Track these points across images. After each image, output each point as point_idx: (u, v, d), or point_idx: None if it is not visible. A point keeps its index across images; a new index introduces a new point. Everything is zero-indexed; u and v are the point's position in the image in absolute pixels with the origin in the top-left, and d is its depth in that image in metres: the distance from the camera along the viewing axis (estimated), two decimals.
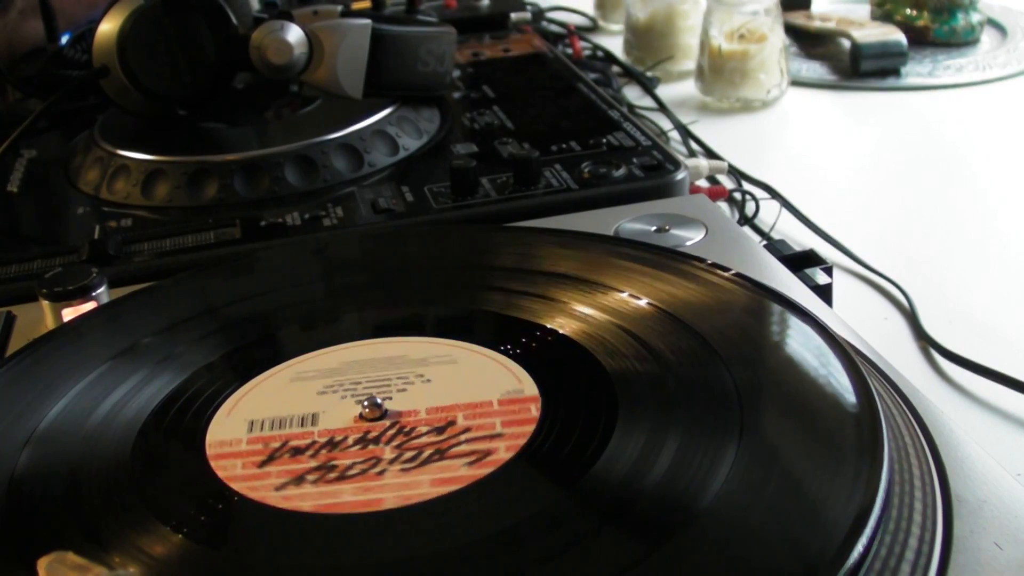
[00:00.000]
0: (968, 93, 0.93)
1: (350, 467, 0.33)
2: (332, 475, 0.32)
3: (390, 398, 0.36)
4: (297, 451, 0.34)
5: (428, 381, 0.37)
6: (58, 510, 0.32)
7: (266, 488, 0.32)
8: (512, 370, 0.38)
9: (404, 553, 0.29)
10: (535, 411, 0.35)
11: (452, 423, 0.35)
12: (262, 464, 0.33)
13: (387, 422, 0.35)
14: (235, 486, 0.32)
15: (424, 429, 0.35)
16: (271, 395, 0.37)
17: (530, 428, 0.34)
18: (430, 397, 0.36)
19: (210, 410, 0.37)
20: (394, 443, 0.34)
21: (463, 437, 0.34)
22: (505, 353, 0.38)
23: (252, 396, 0.37)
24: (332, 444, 0.34)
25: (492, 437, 0.34)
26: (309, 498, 0.31)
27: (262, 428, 0.35)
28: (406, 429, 0.35)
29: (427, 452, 0.33)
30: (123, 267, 0.53)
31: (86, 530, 0.31)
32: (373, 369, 0.38)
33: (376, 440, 0.34)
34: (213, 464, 0.33)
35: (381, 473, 0.32)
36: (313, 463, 0.33)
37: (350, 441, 0.34)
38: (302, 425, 0.35)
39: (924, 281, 0.60)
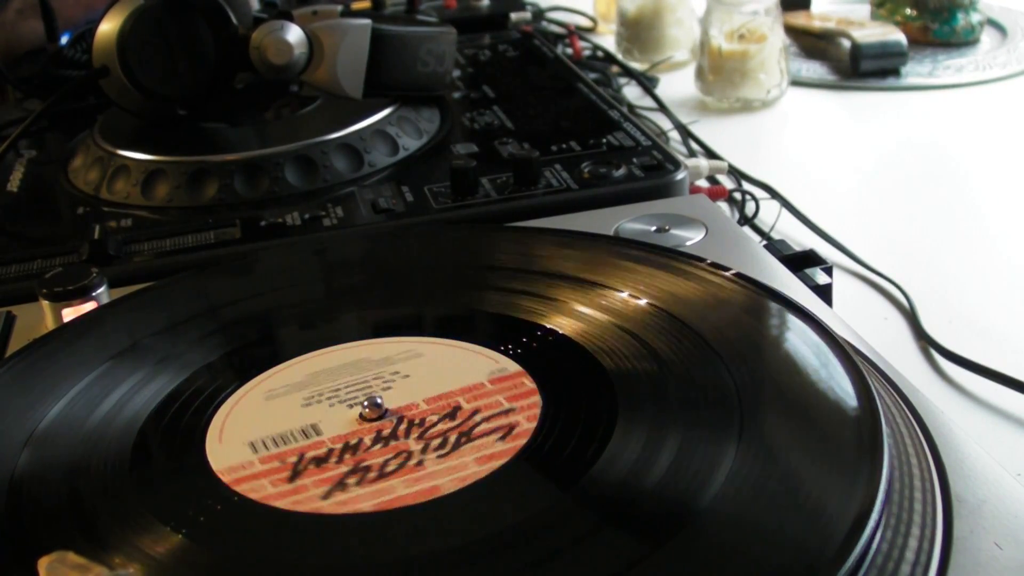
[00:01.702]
0: (968, 93, 0.93)
1: (384, 465, 0.33)
2: (372, 475, 0.32)
3: (388, 389, 0.37)
4: (320, 460, 0.33)
5: (407, 376, 0.37)
6: (58, 510, 0.32)
7: (311, 500, 0.31)
8: (485, 354, 0.38)
9: (496, 528, 0.29)
10: (529, 383, 0.36)
11: (458, 408, 0.35)
12: (291, 479, 0.33)
13: (392, 419, 0.35)
14: (277, 504, 0.31)
15: (435, 418, 0.35)
16: (255, 415, 0.36)
17: (535, 399, 0.35)
18: (419, 390, 0.37)
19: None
20: (414, 436, 0.34)
21: (478, 418, 0.34)
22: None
23: (234, 419, 0.36)
24: (351, 448, 0.34)
25: (506, 412, 0.34)
26: (363, 499, 0.31)
27: (267, 447, 0.34)
28: (416, 421, 0.35)
29: (452, 437, 0.34)
30: (123, 267, 0.53)
31: (86, 530, 0.31)
32: (343, 375, 0.38)
33: (393, 436, 0.34)
34: (238, 489, 0.32)
35: (420, 464, 0.33)
36: (344, 468, 0.33)
37: (367, 442, 0.34)
38: (307, 437, 0.35)
39: (924, 281, 0.60)
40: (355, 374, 0.38)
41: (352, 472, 0.33)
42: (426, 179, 0.62)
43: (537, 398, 0.35)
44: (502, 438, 0.33)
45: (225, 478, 0.33)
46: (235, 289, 0.46)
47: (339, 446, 0.34)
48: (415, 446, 0.34)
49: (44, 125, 0.76)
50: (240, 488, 0.33)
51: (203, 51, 0.66)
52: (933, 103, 0.91)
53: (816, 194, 0.72)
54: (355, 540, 0.30)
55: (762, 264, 0.48)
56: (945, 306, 0.58)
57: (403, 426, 0.35)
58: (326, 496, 0.32)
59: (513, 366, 0.37)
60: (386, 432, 0.35)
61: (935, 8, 1.04)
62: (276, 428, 0.36)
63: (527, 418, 0.34)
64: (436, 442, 0.34)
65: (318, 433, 0.35)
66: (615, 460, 0.31)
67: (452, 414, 0.35)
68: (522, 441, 0.33)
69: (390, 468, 0.33)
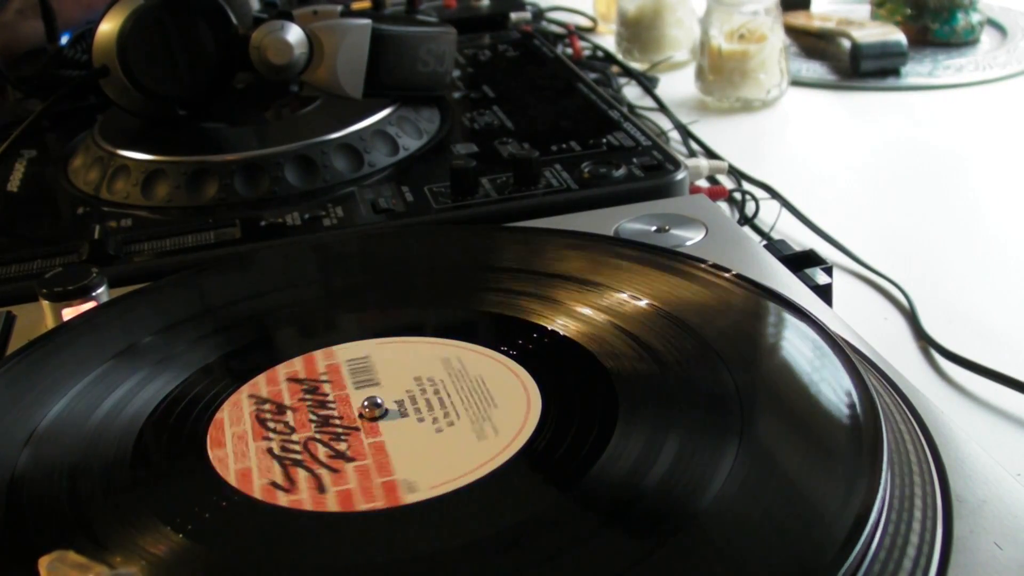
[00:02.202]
0: (968, 93, 0.93)
1: (280, 422, 0.35)
2: (266, 416, 0.35)
3: (407, 416, 0.36)
4: (313, 390, 0.36)
5: (440, 431, 0.36)
6: (58, 510, 0.32)
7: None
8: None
9: (496, 528, 0.30)
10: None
11: (351, 460, 0.34)
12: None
13: (357, 423, 0.36)
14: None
15: (341, 447, 0.35)
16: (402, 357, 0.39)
17: (535, 399, 0.36)
18: (405, 439, 0.36)
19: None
20: (317, 435, 0.35)
21: (317, 470, 0.33)
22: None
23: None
24: (320, 403, 0.36)
25: (316, 487, 0.33)
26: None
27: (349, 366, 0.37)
28: (342, 437, 0.35)
29: (297, 456, 0.34)
30: (123, 267, 0.53)
31: (86, 530, 0.31)
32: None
33: (324, 425, 0.35)
34: (239, 488, 0.33)
35: (266, 439, 0.34)
36: (287, 402, 0.36)
37: (322, 413, 0.36)
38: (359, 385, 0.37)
39: (924, 281, 0.60)
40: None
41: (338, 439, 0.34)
42: (426, 179, 0.62)
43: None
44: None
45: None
46: (235, 289, 0.46)
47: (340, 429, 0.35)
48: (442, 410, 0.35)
49: (44, 125, 0.76)
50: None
51: (203, 51, 0.66)
52: (933, 103, 0.91)
53: (816, 194, 0.72)
54: (355, 540, 0.30)
55: (762, 264, 0.48)
56: (945, 306, 0.58)
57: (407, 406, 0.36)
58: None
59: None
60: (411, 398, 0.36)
61: (935, 8, 1.04)
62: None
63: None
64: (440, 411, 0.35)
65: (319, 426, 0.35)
66: (615, 460, 0.31)
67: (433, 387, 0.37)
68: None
69: (456, 415, 0.35)
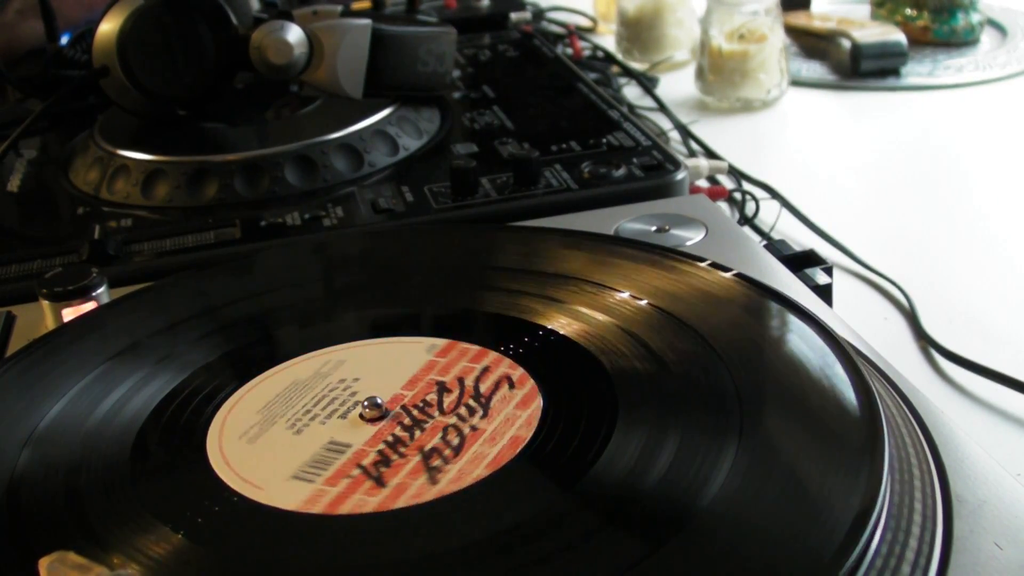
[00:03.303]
0: (968, 93, 0.93)
1: (454, 440, 0.34)
2: (450, 452, 0.33)
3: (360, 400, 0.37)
4: (385, 461, 0.33)
5: (357, 379, 0.38)
6: (58, 510, 0.32)
7: (415, 495, 0.31)
8: (421, 342, 0.39)
9: (496, 528, 0.30)
10: (475, 347, 0.36)
11: (441, 383, 0.36)
12: (377, 483, 0.32)
13: (399, 409, 0.36)
14: (395, 505, 0.31)
15: (433, 397, 0.36)
16: (256, 457, 0.34)
17: (535, 399, 0.35)
18: (384, 384, 0.37)
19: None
20: (439, 417, 0.35)
21: (468, 382, 0.35)
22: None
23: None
24: (398, 442, 0.34)
25: (485, 370, 0.36)
26: (465, 473, 0.32)
27: (310, 476, 0.33)
28: (422, 405, 0.36)
29: (470, 401, 0.35)
30: (123, 267, 0.53)
31: (86, 530, 0.31)
32: (298, 394, 0.37)
33: (424, 421, 0.35)
34: (239, 489, 0.32)
35: (475, 430, 0.34)
36: (416, 457, 0.33)
37: (405, 434, 0.34)
38: (341, 452, 0.34)
39: (924, 281, 0.60)
40: (308, 392, 0.38)
41: (431, 454, 0.33)
42: (426, 179, 0.62)
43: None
44: (511, 387, 0.35)
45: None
46: (235, 289, 0.46)
47: (387, 443, 0.34)
48: (455, 420, 0.35)
49: (44, 125, 0.76)
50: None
51: (203, 51, 0.66)
52: (933, 103, 0.91)
53: (816, 194, 0.72)
54: (355, 540, 0.30)
55: (762, 264, 0.48)
56: (945, 306, 0.58)
57: (418, 412, 0.35)
58: (431, 483, 0.32)
59: (440, 342, 0.39)
60: (415, 420, 0.35)
61: (935, 8, 1.04)
62: (300, 458, 0.34)
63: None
64: (465, 411, 0.35)
65: (346, 447, 0.34)
66: (615, 460, 0.31)
67: (442, 389, 0.36)
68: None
69: (464, 441, 0.33)
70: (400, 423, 0.35)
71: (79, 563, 0.27)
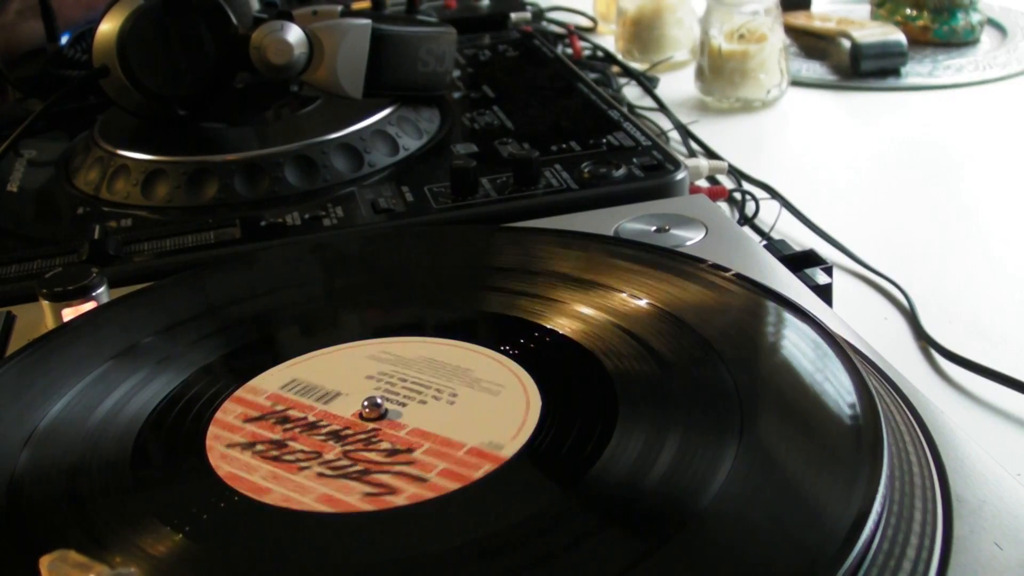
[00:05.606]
0: (968, 93, 0.93)
1: (294, 452, 0.34)
2: (273, 452, 0.34)
3: (404, 405, 0.36)
4: (284, 420, 0.35)
5: (451, 403, 0.36)
6: (58, 510, 0.32)
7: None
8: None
9: (496, 528, 0.29)
10: (484, 472, 0.32)
11: (410, 450, 0.33)
12: (250, 420, 0.35)
13: (369, 426, 0.35)
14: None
15: (385, 446, 0.34)
16: (336, 363, 0.39)
17: (536, 399, 0.35)
18: (430, 419, 0.35)
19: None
20: (349, 447, 0.34)
21: (396, 468, 0.32)
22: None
23: (321, 360, 0.39)
24: (311, 425, 0.35)
25: (416, 479, 0.32)
26: (237, 464, 0.33)
27: (292, 389, 0.37)
28: (374, 439, 0.34)
29: (358, 467, 0.33)
30: (123, 267, 0.53)
31: (86, 530, 0.31)
32: (431, 371, 0.38)
33: (342, 438, 0.34)
34: (238, 488, 0.32)
35: (302, 469, 0.33)
36: (278, 435, 0.34)
37: (324, 431, 0.35)
38: (320, 400, 0.36)
39: (924, 281, 0.60)
40: (433, 375, 0.38)
41: (273, 443, 0.34)
42: (426, 179, 0.62)
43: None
44: (366, 496, 0.31)
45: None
46: (235, 289, 0.46)
47: (313, 419, 0.35)
48: (331, 455, 0.33)
49: (44, 125, 0.76)
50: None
51: (203, 51, 0.66)
52: (933, 103, 0.91)
53: (816, 194, 0.72)
54: (355, 540, 0.30)
55: (762, 264, 0.48)
56: (945, 306, 0.58)
57: (362, 436, 0.34)
58: (231, 446, 0.33)
59: (515, 445, 0.33)
60: (346, 432, 0.35)
61: (935, 8, 1.04)
62: (321, 379, 0.37)
63: (409, 497, 0.31)
64: (344, 463, 0.33)
65: (327, 402, 0.36)
66: (615, 460, 0.31)
67: (395, 452, 0.33)
68: (370, 508, 0.31)
69: (288, 457, 0.34)
70: (344, 428, 0.35)
71: (80, 562, 0.27)
